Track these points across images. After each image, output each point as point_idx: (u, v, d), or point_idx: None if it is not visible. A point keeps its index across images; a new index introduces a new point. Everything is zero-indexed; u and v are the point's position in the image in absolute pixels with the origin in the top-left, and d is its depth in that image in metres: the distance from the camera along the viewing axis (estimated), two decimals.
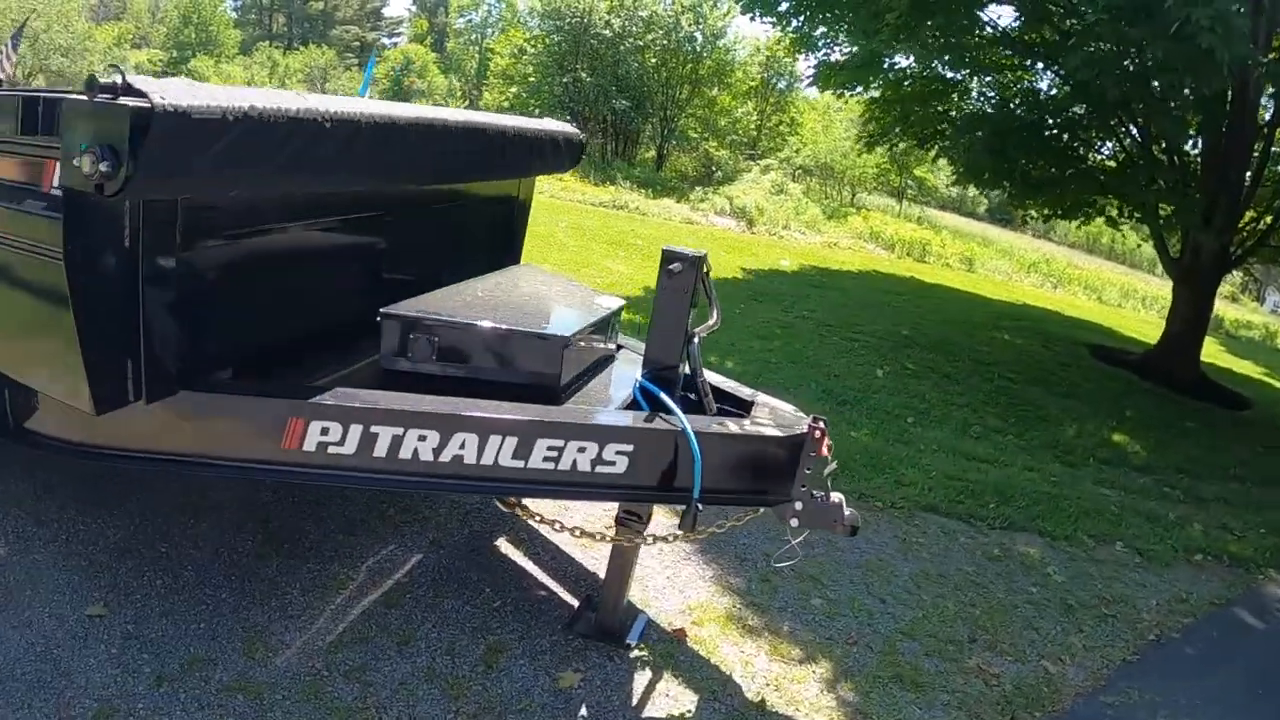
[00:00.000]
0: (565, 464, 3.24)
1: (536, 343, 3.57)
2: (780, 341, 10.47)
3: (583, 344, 3.85)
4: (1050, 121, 13.51)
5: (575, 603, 4.39)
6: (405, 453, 3.15)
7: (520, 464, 3.22)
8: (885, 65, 13.89)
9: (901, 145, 18.68)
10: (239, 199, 3.17)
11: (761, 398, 3.75)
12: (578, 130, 5.39)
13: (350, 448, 3.11)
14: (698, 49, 32.89)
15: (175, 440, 3.23)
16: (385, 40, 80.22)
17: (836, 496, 3.41)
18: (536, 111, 32.81)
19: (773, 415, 3.52)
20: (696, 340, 3.53)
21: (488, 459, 3.21)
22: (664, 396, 3.37)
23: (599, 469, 3.25)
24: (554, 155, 4.97)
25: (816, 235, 23.14)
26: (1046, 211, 15.87)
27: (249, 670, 3.46)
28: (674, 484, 3.30)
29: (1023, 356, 12.49)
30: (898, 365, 10.39)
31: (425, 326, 3.52)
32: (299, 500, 4.78)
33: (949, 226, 34.48)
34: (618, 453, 3.23)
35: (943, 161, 17.72)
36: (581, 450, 3.23)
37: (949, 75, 14.36)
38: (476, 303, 3.85)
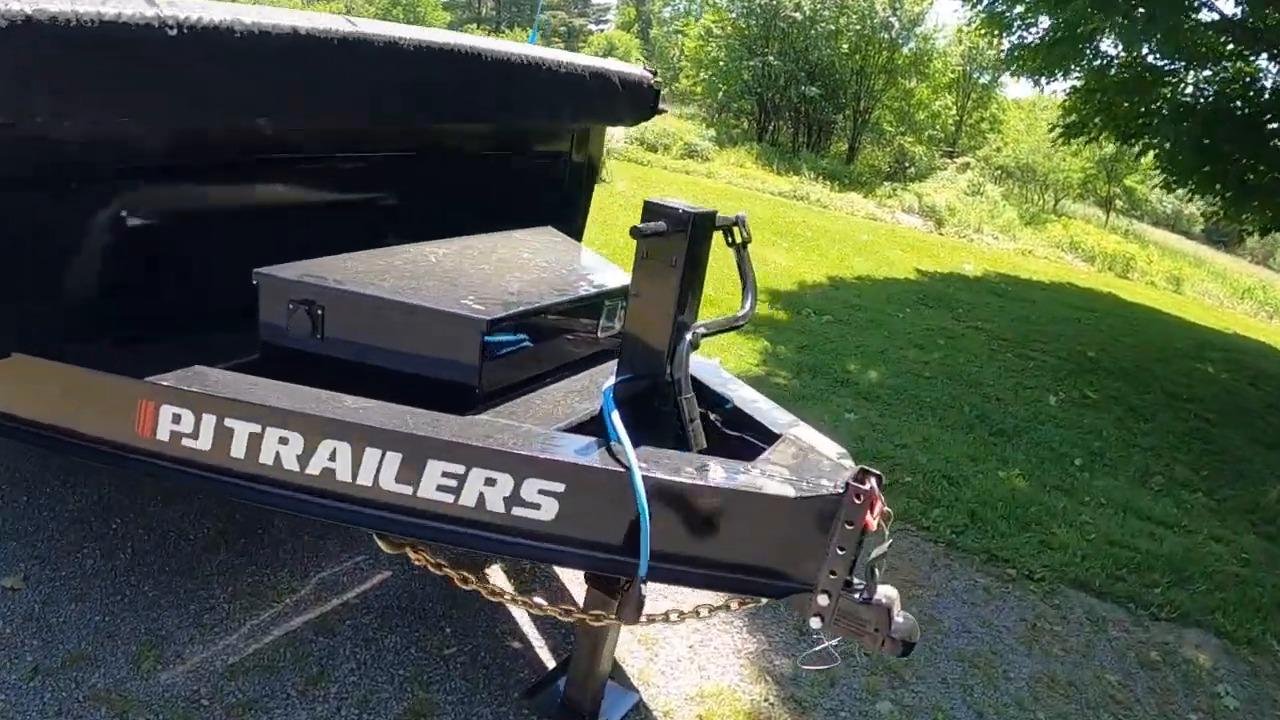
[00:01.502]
0: (468, 499, 2.23)
1: (446, 325, 2.56)
2: (941, 354, 9.19)
3: (527, 333, 2.75)
4: (1271, 119, 11.57)
5: (552, 663, 3.34)
6: (266, 456, 2.36)
7: (406, 490, 2.27)
8: (1085, 49, 12.21)
9: (1103, 139, 16.72)
10: (98, 130, 2.60)
11: (799, 432, 2.56)
12: (648, 72, 4.23)
13: (205, 442, 2.43)
14: (894, 36, 31.02)
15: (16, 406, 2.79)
16: (592, 26, 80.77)
17: (886, 593, 2.22)
18: (721, 95, 31.84)
19: (798, 461, 2.34)
20: (689, 339, 2.36)
21: (364, 478, 2.29)
22: (612, 417, 2.24)
23: (516, 512, 2.20)
24: (606, 101, 3.89)
25: (1010, 241, 21.54)
26: (1266, 223, 13.74)
27: (126, 681, 2.99)
28: (620, 549, 2.18)
29: (1226, 394, 10.84)
30: (1075, 393, 8.92)
31: (308, 294, 2.57)
32: None
33: (1158, 243, 31.71)
34: (542, 493, 2.16)
35: (1153, 169, 15.79)
36: (490, 483, 2.17)
37: (1158, 63, 12.59)
38: (399, 268, 2.83)
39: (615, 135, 18.08)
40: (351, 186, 3.48)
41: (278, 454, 2.32)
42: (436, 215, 3.54)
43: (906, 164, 31.43)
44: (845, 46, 31.15)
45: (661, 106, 4.40)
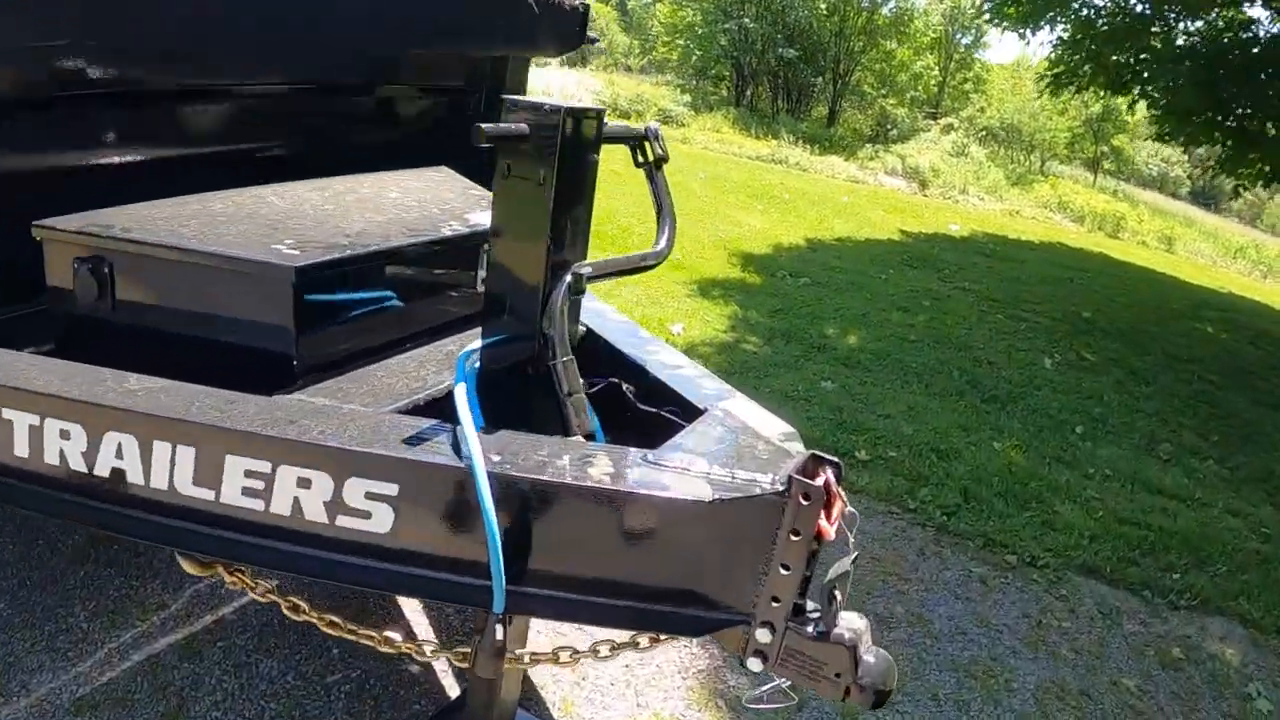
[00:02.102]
0: (280, 505, 1.61)
1: (248, 277, 1.96)
2: (927, 316, 8.65)
3: (370, 287, 2.13)
4: (1269, 68, 11.03)
5: (456, 690, 2.78)
6: (50, 454, 1.80)
7: (207, 495, 1.66)
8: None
9: (1093, 91, 16.18)
10: None
11: (733, 406, 1.92)
12: None
13: None
14: None
15: None
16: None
17: (850, 625, 1.62)
18: (696, 60, 31.11)
19: (725, 446, 1.70)
20: (568, 282, 1.72)
21: (158, 480, 1.70)
22: (457, 393, 1.62)
23: (343, 522, 1.58)
24: (519, 24, 3.24)
25: (997, 202, 21.23)
26: (1266, 176, 13.19)
27: None
28: (474, 572, 1.57)
29: (1227, 354, 10.41)
30: (1072, 355, 8.39)
31: (93, 248, 2.00)
32: None
33: (1147, 203, 31.21)
34: (370, 497, 1.54)
35: (1143, 131, 15.27)
36: (304, 484, 1.56)
37: (1147, 13, 12.01)
38: (215, 213, 2.21)
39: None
40: (196, 129, 2.83)
41: (62, 451, 1.73)
42: (308, 163, 2.88)
43: (888, 126, 30.83)
44: (823, 7, 30.36)
45: (591, 34, 3.75)
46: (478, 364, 1.78)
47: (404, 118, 3.54)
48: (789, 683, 1.77)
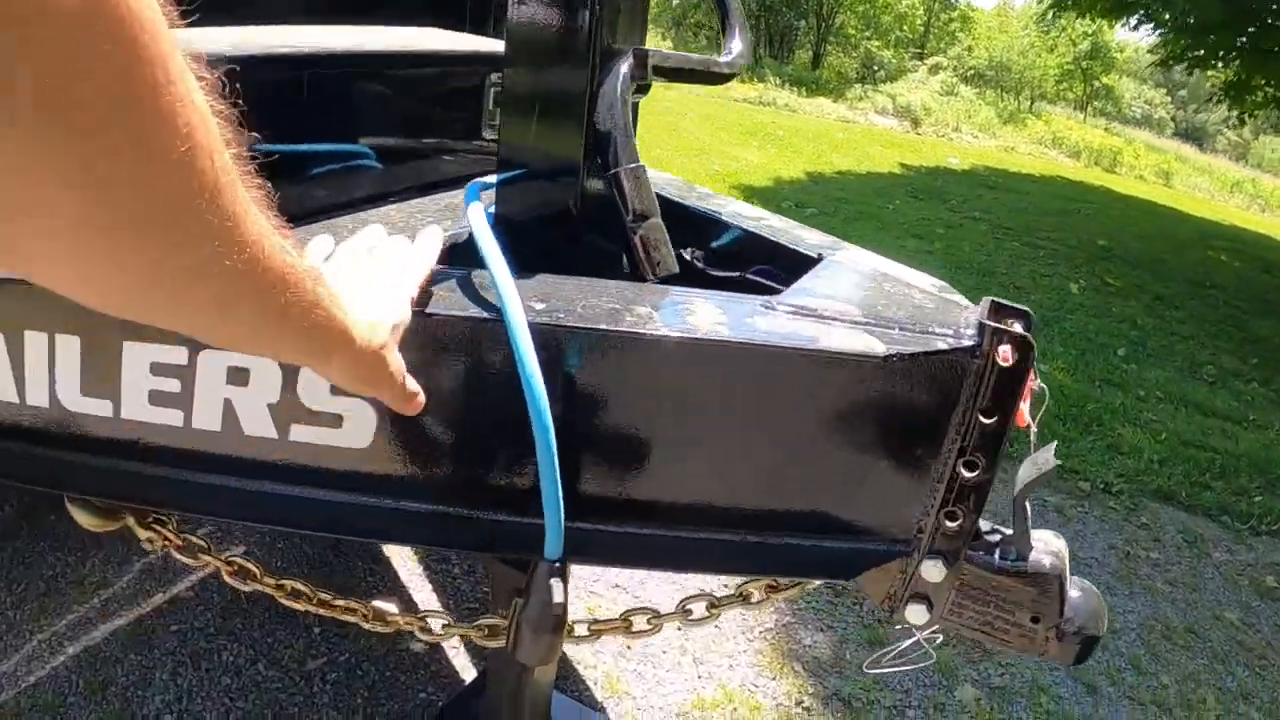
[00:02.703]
0: (206, 416, 1.05)
1: None
2: (943, 243, 8.33)
3: (332, 103, 1.51)
4: None
5: (471, 672, 2.24)
6: None
7: (101, 410, 1.08)
8: None
9: (1090, 16, 15.75)
10: None
11: (851, 256, 1.36)
12: None
13: None
14: None
15: None
16: None
17: (1048, 546, 1.10)
18: (676, 4, 30.43)
19: (864, 293, 1.16)
20: (626, 70, 1.13)
21: (36, 392, 1.11)
22: (471, 214, 1.05)
23: (298, 434, 1.04)
24: None
25: (991, 139, 20.93)
26: (1275, 100, 12.82)
27: None
28: (505, 500, 1.02)
29: (1245, 283, 10.23)
30: (1096, 280, 8.09)
31: None
32: None
33: (1139, 140, 30.89)
34: (340, 389, 0.98)
35: (1130, 69, 14.83)
36: (239, 379, 1.02)
37: None
38: None
39: None
40: None
41: None
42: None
43: (875, 68, 30.14)
44: None
45: None
46: (493, 205, 1.23)
47: None
48: (940, 637, 1.27)
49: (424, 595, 2.48)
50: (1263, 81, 12.37)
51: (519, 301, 0.90)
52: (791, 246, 1.38)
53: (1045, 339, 5.87)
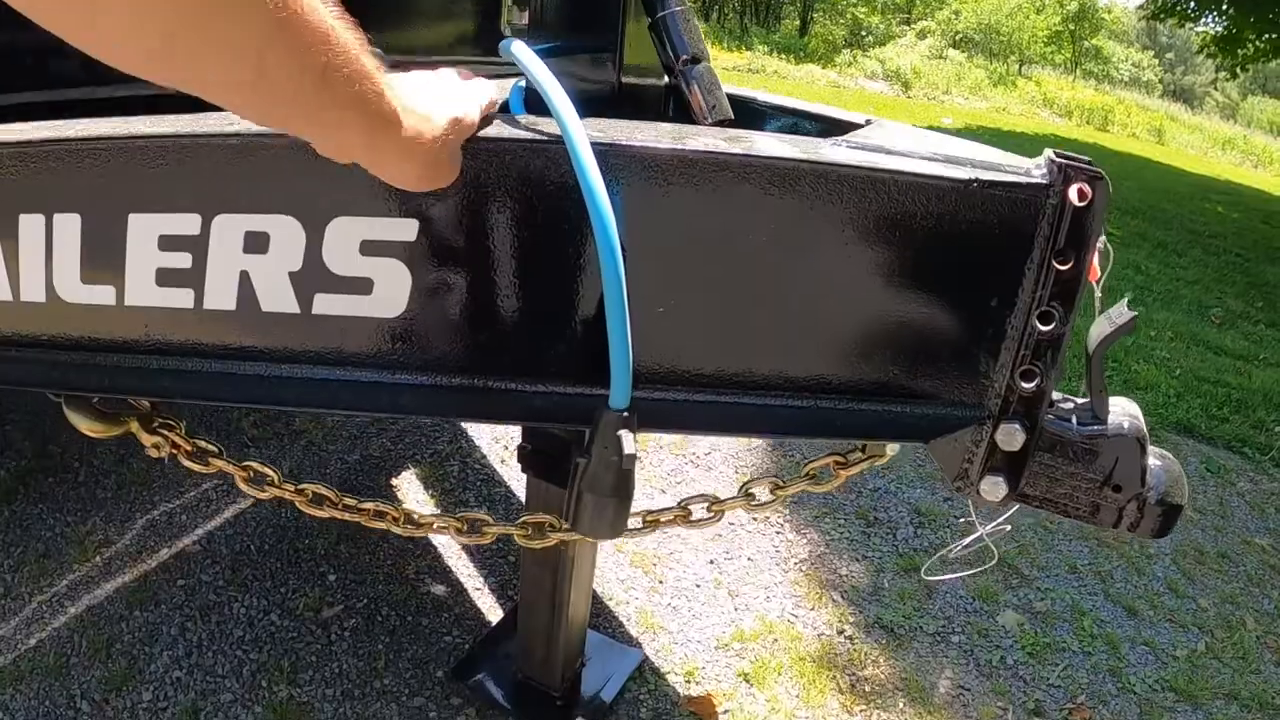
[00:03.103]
0: (219, 291, 0.95)
1: None
2: None
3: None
4: None
5: (498, 613, 2.16)
6: None
7: (105, 295, 0.98)
8: None
9: None
10: None
11: (894, 123, 1.27)
12: None
13: None
14: None
15: None
16: None
17: (1125, 411, 1.03)
18: None
19: (925, 143, 1.07)
20: None
21: (31, 286, 1.00)
22: (515, 48, 0.93)
23: (322, 306, 0.93)
24: None
25: (981, 101, 20.93)
26: (1266, 51, 12.80)
27: None
28: (559, 359, 0.93)
29: (1245, 232, 10.32)
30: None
31: None
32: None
33: (1130, 100, 30.92)
34: (370, 250, 0.90)
35: (1119, 29, 14.79)
36: (258, 246, 0.92)
37: None
38: None
39: None
40: None
41: None
42: None
43: (863, 33, 29.97)
44: None
45: None
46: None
47: None
48: (1008, 525, 1.20)
49: (444, 538, 2.40)
50: (1252, 35, 12.33)
51: (579, 120, 0.81)
52: (835, 116, 1.29)
53: None
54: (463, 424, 2.92)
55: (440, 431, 2.87)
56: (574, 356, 0.94)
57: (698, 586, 2.33)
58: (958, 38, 31.31)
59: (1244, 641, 2.51)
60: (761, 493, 1.10)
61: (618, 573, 2.33)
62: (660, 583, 2.32)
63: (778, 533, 2.60)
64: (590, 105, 1.09)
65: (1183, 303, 6.30)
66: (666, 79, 1.23)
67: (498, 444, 2.84)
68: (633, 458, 0.83)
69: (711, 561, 2.43)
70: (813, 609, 2.30)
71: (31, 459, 2.59)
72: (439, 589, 2.21)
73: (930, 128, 13.57)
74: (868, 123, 1.23)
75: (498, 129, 0.88)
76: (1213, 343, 5.46)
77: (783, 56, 21.92)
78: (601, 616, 2.17)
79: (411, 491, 2.60)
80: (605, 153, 0.83)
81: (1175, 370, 4.68)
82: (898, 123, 1.30)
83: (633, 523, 1.14)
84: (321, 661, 1.99)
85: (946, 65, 24.13)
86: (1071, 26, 30.09)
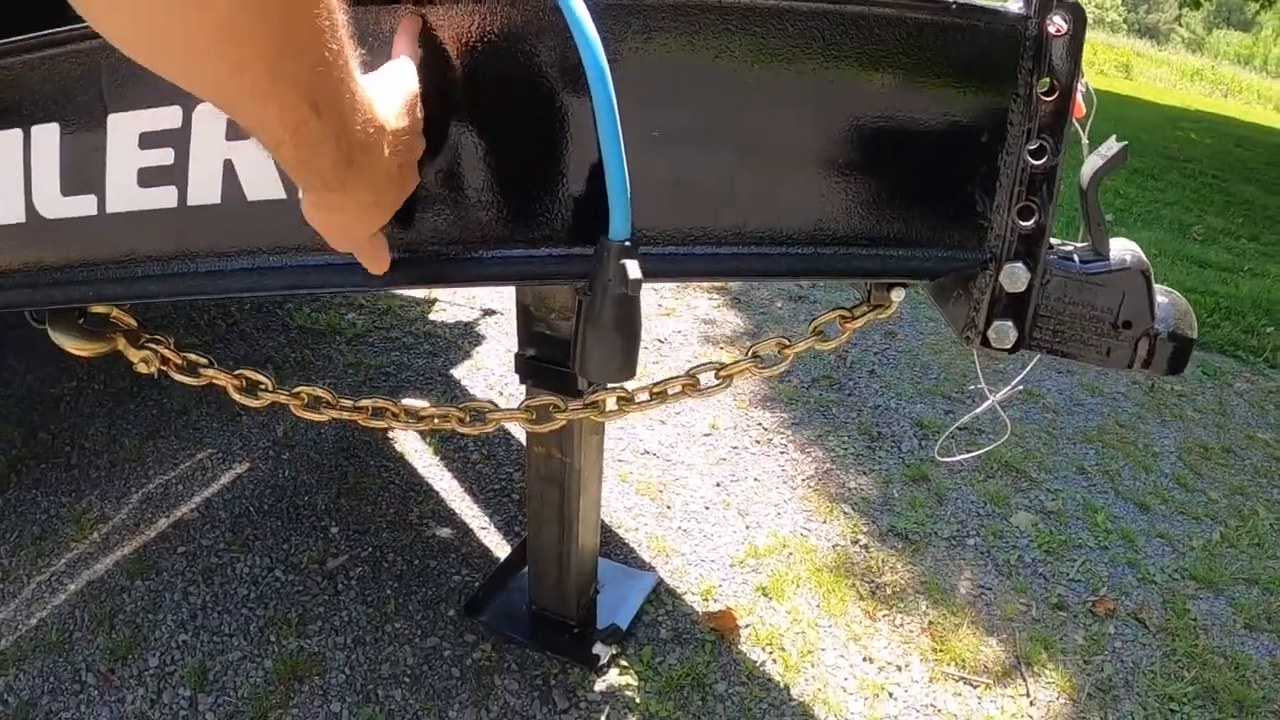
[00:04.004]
0: (203, 188, 0.90)
1: None
2: None
3: None
4: None
5: (505, 549, 2.12)
6: None
7: (86, 204, 0.94)
8: None
9: None
10: None
11: None
12: None
13: None
14: None
15: None
16: None
17: (1126, 247, 1.02)
18: None
19: None
20: None
21: (9, 205, 0.95)
22: None
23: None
24: None
25: None
26: None
27: None
28: (556, 220, 0.89)
29: (1219, 156, 10.36)
30: (1070, 159, 7.98)
31: None
32: (109, 383, 2.80)
33: (1094, 40, 30.87)
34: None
35: None
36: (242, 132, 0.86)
37: None
38: None
39: None
40: None
41: None
42: None
43: None
44: None
45: None
46: None
47: None
48: (1020, 386, 1.17)
49: (445, 483, 2.36)
50: None
51: None
52: None
53: None
54: (458, 374, 2.89)
55: (433, 384, 2.83)
56: (573, 213, 0.90)
57: (706, 509, 2.30)
58: None
59: (1258, 529, 2.50)
60: (769, 352, 1.06)
61: (624, 501, 2.30)
62: (668, 508, 2.29)
63: (782, 453, 2.58)
64: None
65: (1164, 223, 6.34)
66: None
67: (492, 391, 2.81)
68: (638, 283, 0.79)
69: (718, 484, 2.40)
70: (824, 522, 2.27)
71: (21, 447, 2.54)
72: (444, 531, 2.18)
73: None
74: None
75: None
76: (1197, 257, 5.48)
77: None
78: (612, 544, 2.14)
79: (407, 463, 2.57)
80: None
81: (1164, 283, 4.64)
82: None
83: (641, 396, 1.10)
84: (330, 612, 1.95)
85: None
86: None
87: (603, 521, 2.08)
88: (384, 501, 2.26)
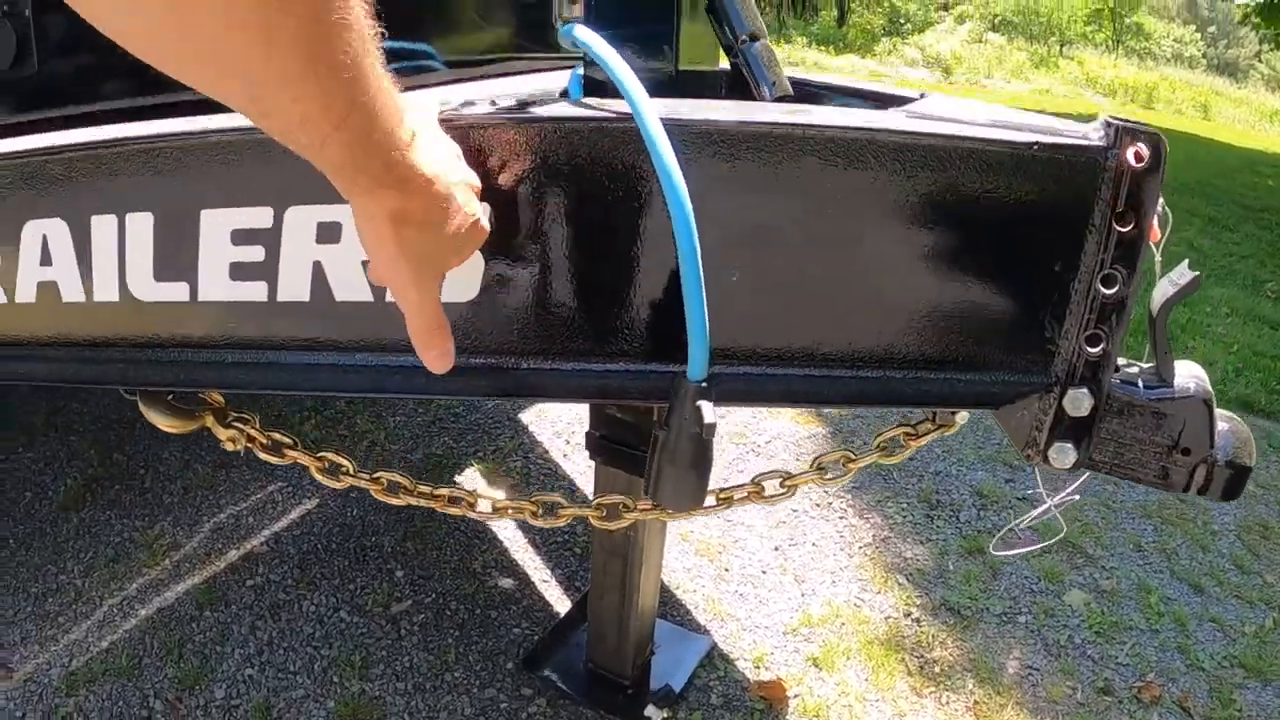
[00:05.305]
0: (293, 285, 0.96)
1: None
2: None
3: None
4: None
5: (565, 604, 2.18)
6: None
7: (179, 291, 1.00)
8: None
9: None
10: None
11: (947, 96, 1.29)
12: None
13: None
14: None
15: None
16: None
17: (1191, 373, 1.03)
18: None
19: (978, 111, 1.07)
20: None
21: (103, 285, 1.03)
22: (579, 31, 0.94)
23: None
24: None
25: (1024, 84, 20.68)
26: None
27: None
28: (634, 339, 0.94)
29: None
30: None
31: None
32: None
33: (1173, 77, 30.42)
34: None
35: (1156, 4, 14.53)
36: (331, 236, 0.94)
37: None
38: None
39: None
40: None
41: None
42: None
43: (901, 21, 29.76)
44: None
45: None
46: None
47: None
48: (1077, 496, 1.19)
49: (509, 533, 2.42)
50: None
51: (647, 96, 0.82)
52: (889, 91, 1.30)
53: None
54: (525, 419, 2.96)
55: (501, 428, 2.90)
56: (647, 334, 0.95)
57: (764, 573, 2.34)
58: (996, 21, 30.98)
59: None
60: (833, 466, 1.11)
61: (683, 561, 2.35)
62: (726, 570, 2.33)
63: (841, 518, 2.60)
64: (650, 91, 1.10)
65: (1237, 278, 6.21)
66: (723, 63, 1.24)
67: (559, 439, 2.87)
68: (713, 428, 0.84)
69: (776, 548, 2.44)
70: (879, 592, 2.30)
71: (98, 466, 2.65)
72: (506, 582, 2.24)
73: None
74: (921, 96, 1.24)
75: (565, 110, 0.90)
76: (1269, 317, 5.35)
77: (821, 48, 21.78)
78: (669, 605, 2.19)
79: (477, 487, 2.63)
80: (673, 128, 0.84)
81: (1233, 346, 4.61)
82: (949, 96, 1.30)
83: (708, 500, 1.15)
84: (392, 656, 2.02)
85: (986, 49, 23.88)
86: (1111, 4, 29.63)
87: (661, 582, 2.14)
88: (449, 547, 2.33)
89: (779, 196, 0.92)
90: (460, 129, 0.87)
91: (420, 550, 2.32)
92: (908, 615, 2.23)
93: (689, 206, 0.80)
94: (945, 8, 31.28)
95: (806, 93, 1.41)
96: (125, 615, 2.15)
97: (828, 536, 2.49)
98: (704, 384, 0.85)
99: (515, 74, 1.67)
